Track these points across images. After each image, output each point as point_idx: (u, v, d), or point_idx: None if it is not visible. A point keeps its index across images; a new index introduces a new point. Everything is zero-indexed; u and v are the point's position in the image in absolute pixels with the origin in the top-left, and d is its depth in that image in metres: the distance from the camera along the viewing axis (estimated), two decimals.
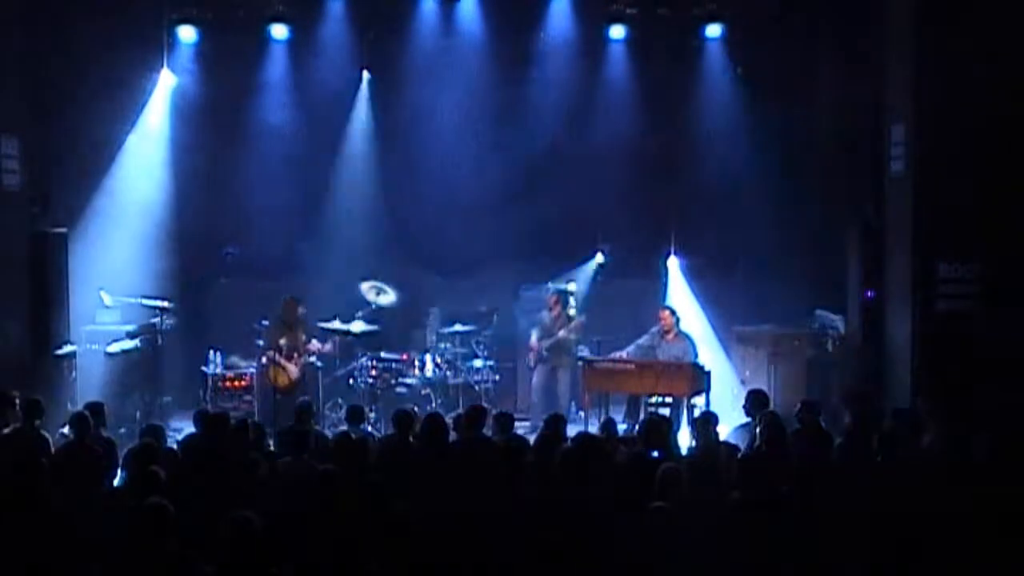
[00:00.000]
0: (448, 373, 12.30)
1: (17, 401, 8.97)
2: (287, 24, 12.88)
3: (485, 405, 9.19)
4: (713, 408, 10.22)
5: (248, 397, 11.88)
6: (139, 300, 12.20)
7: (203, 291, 13.55)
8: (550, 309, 12.38)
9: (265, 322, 12.12)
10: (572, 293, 12.65)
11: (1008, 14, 10.29)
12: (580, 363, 11.86)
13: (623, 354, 11.67)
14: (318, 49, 13.21)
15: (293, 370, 11.68)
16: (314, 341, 11.93)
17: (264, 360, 11.76)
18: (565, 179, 13.35)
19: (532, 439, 8.69)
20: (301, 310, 11.85)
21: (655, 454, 7.61)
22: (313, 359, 11.97)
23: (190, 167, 13.00)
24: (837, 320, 12.00)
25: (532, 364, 12.42)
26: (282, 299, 11.97)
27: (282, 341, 11.70)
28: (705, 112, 13.27)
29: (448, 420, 8.80)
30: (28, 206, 11.48)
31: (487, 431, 8.63)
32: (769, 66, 12.83)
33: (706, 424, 8.53)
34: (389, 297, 12.75)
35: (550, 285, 12.69)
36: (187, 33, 12.76)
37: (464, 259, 13.21)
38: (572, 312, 12.45)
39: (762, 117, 12.96)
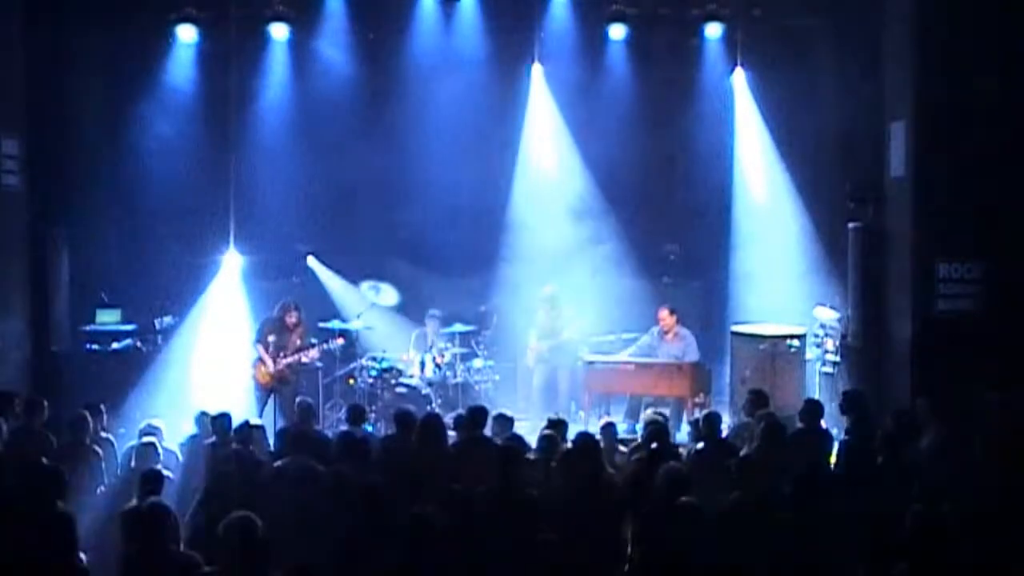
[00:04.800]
0: (448, 373, 12.30)
1: (17, 400, 8.98)
2: (287, 24, 12.86)
3: (485, 405, 9.16)
4: (713, 408, 10.21)
5: None
6: (139, 300, 12.20)
7: (202, 291, 13.54)
8: (545, 314, 12.35)
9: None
10: (556, 295, 12.54)
11: (1008, 14, 10.29)
12: (580, 363, 11.86)
13: (623, 354, 11.66)
14: (318, 49, 13.20)
15: (270, 366, 11.65)
16: (313, 351, 11.82)
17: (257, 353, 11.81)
18: (565, 178, 13.36)
19: (533, 439, 8.68)
20: (293, 318, 11.82)
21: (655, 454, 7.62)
22: (306, 361, 11.89)
23: (189, 167, 12.99)
24: (837, 320, 12.00)
25: (532, 364, 12.41)
26: (280, 302, 11.94)
27: (271, 338, 11.72)
28: (705, 112, 13.27)
29: (448, 420, 8.79)
30: (28, 206, 11.48)
31: (487, 431, 8.63)
32: (769, 66, 12.83)
33: (707, 424, 8.53)
34: (389, 297, 12.75)
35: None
36: (187, 33, 12.74)
37: (464, 259, 13.19)
38: (569, 312, 12.42)
39: (762, 117, 12.99)
